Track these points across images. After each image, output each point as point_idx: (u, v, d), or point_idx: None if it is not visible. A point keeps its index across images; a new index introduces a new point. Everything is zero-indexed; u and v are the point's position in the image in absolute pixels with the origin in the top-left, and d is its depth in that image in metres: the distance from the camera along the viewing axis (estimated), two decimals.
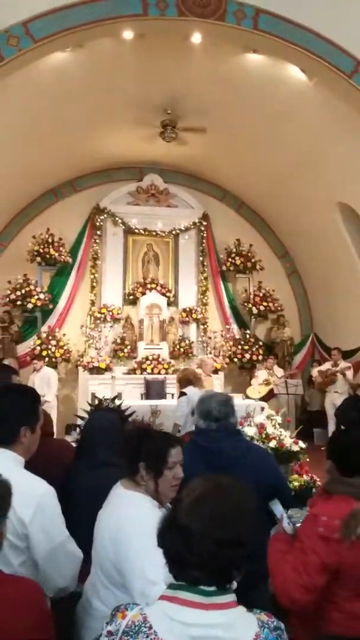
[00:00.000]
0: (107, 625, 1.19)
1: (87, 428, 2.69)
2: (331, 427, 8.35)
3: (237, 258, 10.41)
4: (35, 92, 7.09)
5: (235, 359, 9.97)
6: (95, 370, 9.16)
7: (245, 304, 10.46)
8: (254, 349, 9.98)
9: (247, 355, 9.93)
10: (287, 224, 10.56)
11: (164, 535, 1.20)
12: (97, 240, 10.24)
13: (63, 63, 6.77)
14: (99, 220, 10.17)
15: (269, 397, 8.85)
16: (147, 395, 8.79)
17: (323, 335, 10.40)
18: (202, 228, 10.62)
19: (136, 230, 10.30)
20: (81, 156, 9.65)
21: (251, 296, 10.45)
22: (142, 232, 10.33)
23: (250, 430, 4.06)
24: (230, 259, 10.44)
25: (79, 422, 4.33)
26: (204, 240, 10.67)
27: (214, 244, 10.65)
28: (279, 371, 9.50)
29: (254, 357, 9.95)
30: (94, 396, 7.40)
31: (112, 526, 1.75)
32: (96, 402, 5.64)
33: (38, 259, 9.58)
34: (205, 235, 10.66)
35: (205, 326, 10.31)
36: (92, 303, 10.05)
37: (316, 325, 10.79)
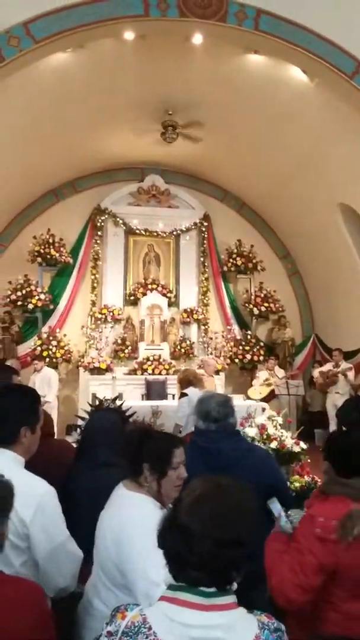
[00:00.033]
0: (106, 625, 1.19)
1: (87, 428, 2.69)
2: (332, 428, 8.34)
3: (238, 259, 10.41)
4: (36, 93, 7.09)
5: (236, 360, 9.97)
6: (96, 371, 9.16)
7: (247, 304, 10.45)
8: (255, 350, 9.98)
9: (248, 356, 9.92)
10: (288, 225, 10.56)
11: (164, 535, 1.20)
12: (98, 241, 10.25)
13: (64, 64, 6.77)
14: (99, 220, 10.17)
15: (270, 397, 8.84)
16: (148, 395, 8.79)
17: (324, 336, 10.40)
18: (203, 229, 10.63)
19: (137, 231, 10.31)
20: (82, 157, 9.66)
21: (252, 297, 10.44)
22: (143, 233, 10.33)
23: (251, 431, 4.06)
24: (231, 260, 10.44)
25: (80, 422, 4.32)
26: (205, 241, 10.67)
27: (215, 244, 10.65)
28: (280, 372, 9.50)
29: (255, 358, 9.94)
30: (94, 397, 7.39)
31: (114, 527, 1.75)
32: (97, 402, 5.63)
33: (39, 259, 9.58)
34: (206, 235, 10.66)
35: (206, 327, 10.30)
36: (93, 303, 10.05)
37: (317, 326, 10.79)
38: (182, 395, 5.59)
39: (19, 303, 9.33)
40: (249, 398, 8.49)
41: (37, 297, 9.32)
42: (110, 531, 1.75)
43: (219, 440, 2.39)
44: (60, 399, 9.22)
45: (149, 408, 6.83)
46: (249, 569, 1.18)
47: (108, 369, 9.15)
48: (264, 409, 6.33)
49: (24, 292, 9.31)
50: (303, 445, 4.11)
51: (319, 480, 4.04)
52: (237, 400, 5.83)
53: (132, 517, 1.71)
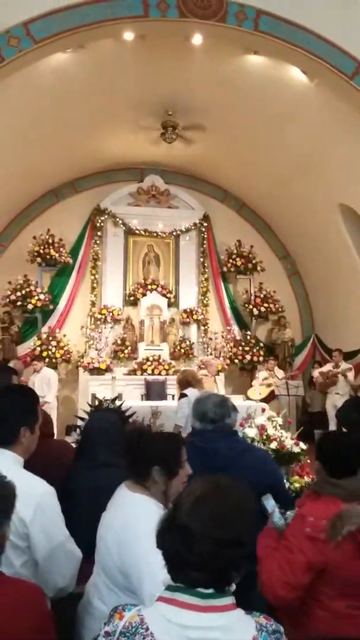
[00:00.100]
0: (104, 625, 1.19)
1: (87, 429, 2.69)
2: (332, 429, 8.33)
3: (237, 259, 10.41)
4: (36, 93, 7.09)
5: (236, 360, 9.97)
6: (96, 371, 9.16)
7: (246, 305, 10.46)
8: (254, 350, 9.98)
9: (248, 357, 9.92)
10: (288, 225, 10.56)
11: (163, 535, 1.20)
12: (98, 241, 10.25)
13: (64, 64, 6.77)
14: (99, 221, 10.17)
15: (269, 398, 8.84)
16: (148, 396, 8.78)
17: (324, 336, 10.40)
18: (203, 229, 10.63)
19: (137, 231, 10.31)
20: (82, 157, 9.66)
21: (252, 297, 10.44)
22: (143, 233, 10.33)
23: (251, 432, 4.05)
24: (231, 260, 10.45)
25: (79, 422, 4.32)
26: (204, 242, 10.67)
27: (215, 245, 10.65)
28: (279, 372, 9.50)
29: (255, 359, 9.94)
30: (94, 397, 7.40)
31: (117, 528, 1.74)
32: (96, 402, 5.63)
33: (38, 259, 9.58)
34: (206, 236, 10.66)
35: (206, 327, 10.30)
36: (93, 304, 10.05)
37: (317, 327, 10.79)
38: (182, 395, 5.58)
39: (19, 303, 9.33)
40: (248, 398, 8.49)
41: (36, 298, 9.32)
42: (113, 532, 1.75)
43: (215, 440, 2.39)
44: (60, 399, 9.22)
45: (148, 408, 6.83)
46: (248, 569, 1.18)
47: (108, 370, 9.15)
48: (263, 410, 6.33)
49: (23, 292, 9.30)
50: (303, 445, 4.10)
51: None
52: (237, 401, 5.82)
53: (136, 518, 1.70)
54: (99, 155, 9.75)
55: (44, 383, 8.13)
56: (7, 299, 9.35)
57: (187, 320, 10.21)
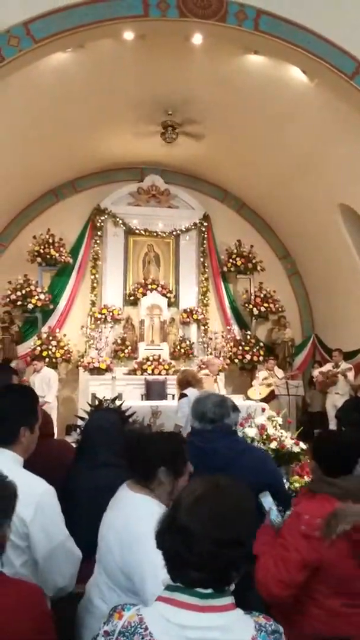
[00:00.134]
0: (104, 625, 1.19)
1: (87, 428, 2.69)
2: (332, 428, 8.34)
3: (238, 259, 10.41)
4: (36, 93, 7.09)
5: (236, 360, 9.97)
6: (96, 371, 9.16)
7: (246, 304, 10.46)
8: (254, 350, 9.98)
9: (248, 356, 9.92)
10: (288, 225, 10.56)
11: (163, 535, 1.20)
12: (98, 241, 10.25)
13: (64, 64, 6.77)
14: (99, 220, 10.17)
15: (269, 398, 8.84)
16: (148, 395, 8.79)
17: (324, 336, 10.40)
18: (203, 229, 10.62)
19: (137, 231, 10.30)
20: (82, 157, 9.65)
21: (252, 297, 10.44)
22: (143, 233, 10.33)
23: (251, 432, 4.06)
24: (231, 260, 10.44)
25: (79, 422, 4.33)
26: (204, 241, 10.67)
27: (215, 244, 10.65)
28: (279, 372, 9.50)
29: (255, 358, 9.94)
30: (94, 397, 7.40)
31: (119, 528, 1.74)
32: (96, 402, 5.63)
33: (38, 259, 9.58)
34: (206, 236, 10.66)
35: (206, 327, 10.30)
36: (93, 303, 10.05)
37: (317, 326, 10.79)
38: (182, 395, 5.58)
39: (19, 303, 9.33)
40: (248, 398, 8.48)
41: (36, 297, 9.32)
42: (114, 532, 1.75)
43: (214, 440, 2.39)
44: (60, 399, 9.22)
45: (148, 408, 6.83)
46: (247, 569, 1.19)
47: (108, 369, 9.15)
48: (263, 409, 6.34)
49: (23, 292, 9.30)
50: (303, 445, 4.11)
51: None
52: (237, 401, 5.82)
53: (139, 518, 1.69)
54: (99, 155, 9.75)
55: (44, 383, 8.14)
56: (7, 299, 9.35)
57: (187, 320, 10.21)
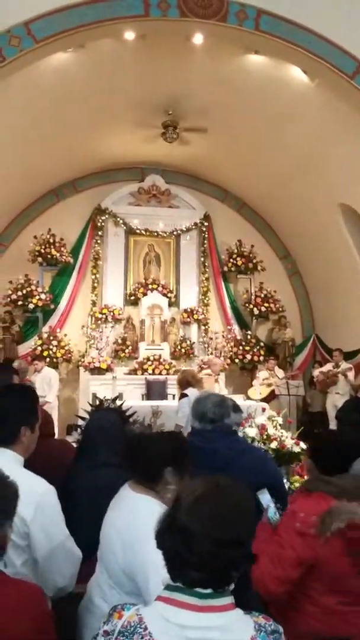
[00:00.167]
0: (103, 624, 1.19)
1: (87, 428, 2.70)
2: (332, 428, 8.34)
3: (238, 259, 10.41)
4: (36, 93, 7.09)
5: (237, 360, 9.97)
6: (97, 371, 9.16)
7: (247, 304, 10.45)
8: (255, 350, 9.98)
9: (248, 356, 9.92)
10: (289, 225, 10.56)
11: (162, 536, 1.20)
12: (99, 241, 10.25)
13: (64, 63, 6.77)
14: (100, 220, 10.17)
15: (270, 398, 8.84)
16: (148, 395, 8.79)
17: (324, 336, 10.39)
18: (204, 229, 10.63)
19: (137, 231, 10.31)
20: (82, 157, 9.66)
21: (252, 297, 10.44)
22: (144, 233, 10.33)
23: (251, 431, 4.05)
24: (231, 260, 10.44)
25: (80, 422, 4.33)
26: (205, 241, 10.67)
27: (216, 244, 10.65)
28: (280, 372, 9.50)
29: (255, 358, 9.94)
30: (95, 396, 7.40)
31: (121, 529, 1.74)
32: (97, 402, 5.63)
33: (39, 259, 9.59)
34: (206, 236, 10.66)
35: (207, 327, 10.30)
36: (94, 303, 10.05)
37: (317, 326, 10.78)
38: (182, 396, 5.59)
39: (20, 303, 9.34)
40: (249, 398, 8.48)
41: (37, 297, 9.33)
42: (117, 533, 1.75)
43: (214, 440, 2.39)
44: (61, 399, 9.22)
45: (149, 408, 6.83)
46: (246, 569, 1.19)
47: (108, 369, 9.16)
48: (264, 409, 6.33)
49: (24, 291, 9.31)
50: (303, 445, 4.11)
51: None
52: (237, 401, 5.84)
53: (141, 519, 1.69)
54: (99, 155, 9.75)
55: (45, 383, 8.14)
56: (8, 299, 9.35)
57: (188, 319, 10.21)
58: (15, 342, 9.42)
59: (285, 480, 3.19)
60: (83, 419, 3.08)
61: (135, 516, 1.72)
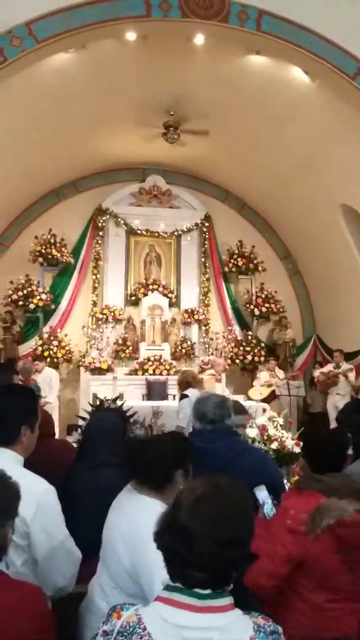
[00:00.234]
0: (103, 624, 1.19)
1: (88, 428, 2.70)
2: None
3: (239, 259, 10.41)
4: (38, 93, 7.10)
5: (237, 360, 9.96)
6: (97, 371, 9.17)
7: (247, 305, 10.45)
8: (255, 351, 9.97)
9: (249, 357, 9.92)
10: (290, 226, 10.55)
11: (162, 536, 1.20)
12: (99, 241, 10.26)
13: (66, 64, 6.78)
14: (101, 221, 10.18)
15: (270, 398, 8.84)
16: (149, 396, 8.79)
17: (325, 336, 10.39)
18: (205, 229, 10.63)
19: (138, 231, 10.31)
20: (83, 157, 9.66)
21: (253, 297, 10.44)
22: (144, 233, 10.34)
23: (252, 432, 4.05)
24: (232, 260, 10.45)
25: (80, 422, 4.33)
26: (206, 242, 10.67)
27: (216, 245, 10.65)
28: (280, 373, 9.49)
29: (256, 359, 9.94)
30: (95, 397, 7.39)
31: (126, 531, 1.74)
32: (97, 402, 5.63)
33: (40, 259, 9.60)
34: (207, 236, 10.67)
35: (207, 327, 10.30)
36: (94, 304, 10.06)
37: (318, 327, 10.78)
38: (183, 396, 5.58)
39: (20, 303, 9.34)
40: (249, 399, 8.48)
41: (38, 297, 9.33)
42: (121, 535, 1.74)
43: (215, 440, 2.40)
44: (61, 399, 9.22)
45: (149, 408, 6.83)
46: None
47: (109, 369, 9.16)
48: (264, 410, 6.32)
49: (25, 292, 9.32)
50: None
51: None
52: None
53: (146, 521, 1.68)
54: (100, 156, 9.76)
55: (45, 383, 8.13)
56: (9, 299, 9.36)
57: (189, 320, 10.21)
58: (15, 342, 9.43)
59: (285, 481, 3.18)
60: (83, 419, 3.07)
61: (140, 519, 1.71)
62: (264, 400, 8.39)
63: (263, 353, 9.99)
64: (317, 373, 9.41)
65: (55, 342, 9.32)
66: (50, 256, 9.57)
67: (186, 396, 5.48)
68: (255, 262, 10.42)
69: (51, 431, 3.09)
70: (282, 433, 4.12)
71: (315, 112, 7.42)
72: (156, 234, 10.37)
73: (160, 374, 9.20)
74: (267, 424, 4.16)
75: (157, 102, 8.22)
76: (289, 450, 3.99)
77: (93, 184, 10.42)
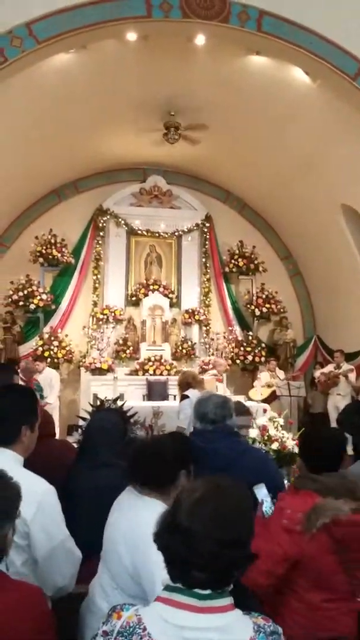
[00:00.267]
0: (103, 625, 1.19)
1: (88, 429, 2.70)
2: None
3: (239, 259, 10.41)
4: (38, 93, 7.10)
5: (238, 361, 9.96)
6: (98, 371, 9.17)
7: (248, 305, 10.45)
8: (256, 351, 9.97)
9: (250, 357, 9.92)
10: (290, 226, 10.55)
11: (162, 536, 1.20)
12: (100, 242, 10.26)
13: (66, 64, 6.78)
14: (101, 221, 10.18)
15: (271, 399, 8.83)
16: (149, 396, 8.79)
17: (326, 337, 10.38)
18: (205, 229, 10.63)
19: (139, 232, 10.31)
20: (84, 157, 9.67)
21: (254, 298, 10.44)
22: (145, 234, 10.34)
23: (252, 432, 4.05)
24: (233, 261, 10.45)
25: (81, 422, 4.33)
26: (206, 242, 10.67)
27: (217, 245, 10.65)
28: (280, 373, 9.49)
29: (257, 359, 9.94)
30: (95, 397, 7.39)
31: (128, 532, 1.74)
32: (98, 403, 5.63)
33: (40, 259, 9.60)
34: (208, 236, 10.67)
35: (208, 327, 10.30)
36: (95, 304, 10.06)
37: (319, 327, 10.77)
38: (183, 397, 5.58)
39: (21, 303, 9.35)
40: (250, 399, 8.48)
41: (38, 298, 9.34)
42: (123, 536, 1.74)
43: (215, 441, 2.40)
44: (62, 399, 9.22)
45: (150, 409, 6.83)
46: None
47: (109, 370, 9.16)
48: (265, 410, 6.32)
49: (25, 292, 9.32)
50: None
51: None
52: None
53: (148, 522, 1.69)
54: (100, 156, 9.76)
55: (46, 384, 8.12)
56: (10, 299, 9.36)
57: (189, 320, 10.21)
58: (16, 342, 9.43)
59: (285, 481, 3.18)
60: (84, 419, 3.07)
61: (141, 518, 1.71)
62: (264, 401, 8.39)
63: (264, 353, 9.99)
64: (317, 373, 9.41)
65: (55, 343, 9.33)
66: (50, 256, 9.58)
67: (187, 397, 5.47)
68: (255, 262, 10.42)
69: (51, 431, 3.08)
70: (283, 433, 4.13)
71: (316, 113, 7.42)
72: (157, 235, 10.37)
73: (161, 374, 9.20)
74: (268, 424, 4.17)
75: (157, 103, 8.22)
76: (290, 450, 4.00)
77: (94, 184, 10.42)
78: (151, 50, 6.76)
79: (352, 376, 8.74)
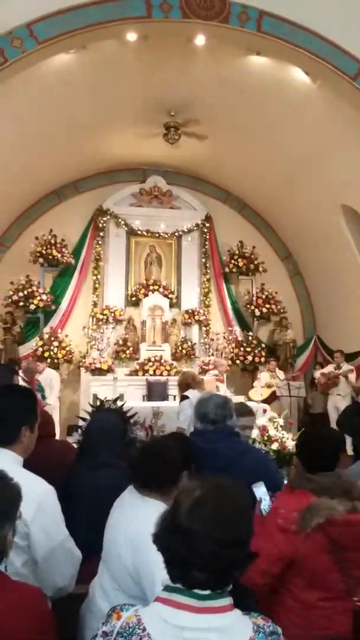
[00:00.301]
0: (102, 625, 1.19)
1: (88, 429, 2.70)
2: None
3: (239, 260, 10.41)
4: (38, 94, 7.10)
5: (238, 361, 9.96)
6: (97, 372, 9.16)
7: (248, 305, 10.45)
8: (256, 351, 9.97)
9: (250, 357, 9.91)
10: (290, 226, 10.55)
11: (162, 537, 1.20)
12: (100, 242, 10.25)
13: (66, 65, 6.78)
14: (101, 221, 10.18)
15: (271, 399, 8.83)
16: (149, 396, 8.79)
17: (326, 337, 10.38)
18: (205, 230, 10.63)
19: (139, 232, 10.31)
20: (84, 157, 9.66)
21: (254, 298, 10.43)
22: (145, 234, 10.34)
23: (252, 433, 4.05)
24: (233, 261, 10.45)
25: (81, 423, 4.33)
26: (206, 242, 10.67)
27: (217, 245, 10.65)
28: (280, 373, 9.49)
29: (257, 360, 9.93)
30: (95, 397, 7.39)
31: (129, 533, 1.73)
32: (98, 403, 5.63)
33: (40, 260, 9.60)
34: (208, 237, 10.66)
35: (208, 328, 10.30)
36: (95, 304, 10.06)
37: (319, 328, 10.77)
38: (183, 397, 5.57)
39: (21, 303, 9.34)
40: (250, 399, 8.47)
41: (38, 298, 9.33)
42: (125, 536, 1.74)
43: (216, 441, 2.40)
44: (62, 399, 9.22)
45: (150, 409, 6.82)
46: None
47: (109, 370, 9.16)
48: (265, 411, 6.32)
49: (25, 292, 9.32)
50: None
51: None
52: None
53: (149, 523, 1.69)
54: (101, 156, 9.76)
55: (46, 384, 8.12)
56: (10, 299, 9.36)
57: (189, 320, 10.20)
58: (16, 342, 9.42)
59: (285, 481, 3.19)
60: (84, 419, 3.07)
61: (141, 519, 1.71)
62: (264, 401, 8.39)
63: (263, 354, 9.99)
64: (317, 374, 9.41)
65: (55, 343, 9.32)
66: (50, 257, 9.57)
67: (186, 397, 5.46)
68: (255, 262, 10.42)
69: (51, 432, 3.08)
70: (283, 434, 4.13)
71: (316, 113, 7.42)
72: (157, 235, 10.37)
73: (161, 374, 9.20)
74: (268, 424, 4.17)
75: (157, 103, 8.22)
76: (290, 451, 4.00)
77: (94, 185, 10.42)
78: (151, 51, 6.76)
79: (352, 376, 8.74)
